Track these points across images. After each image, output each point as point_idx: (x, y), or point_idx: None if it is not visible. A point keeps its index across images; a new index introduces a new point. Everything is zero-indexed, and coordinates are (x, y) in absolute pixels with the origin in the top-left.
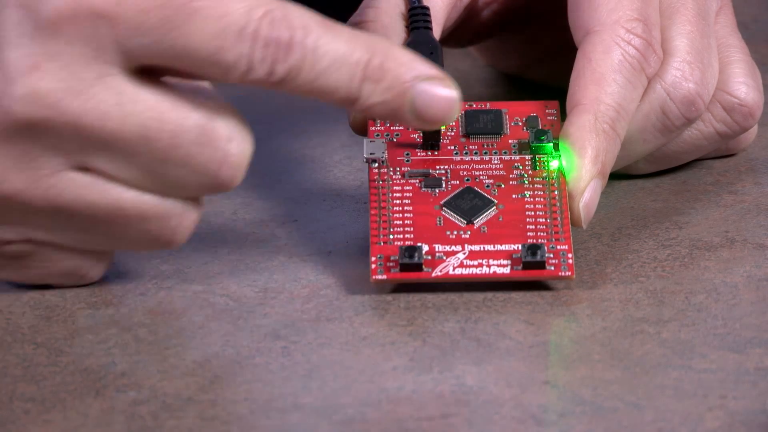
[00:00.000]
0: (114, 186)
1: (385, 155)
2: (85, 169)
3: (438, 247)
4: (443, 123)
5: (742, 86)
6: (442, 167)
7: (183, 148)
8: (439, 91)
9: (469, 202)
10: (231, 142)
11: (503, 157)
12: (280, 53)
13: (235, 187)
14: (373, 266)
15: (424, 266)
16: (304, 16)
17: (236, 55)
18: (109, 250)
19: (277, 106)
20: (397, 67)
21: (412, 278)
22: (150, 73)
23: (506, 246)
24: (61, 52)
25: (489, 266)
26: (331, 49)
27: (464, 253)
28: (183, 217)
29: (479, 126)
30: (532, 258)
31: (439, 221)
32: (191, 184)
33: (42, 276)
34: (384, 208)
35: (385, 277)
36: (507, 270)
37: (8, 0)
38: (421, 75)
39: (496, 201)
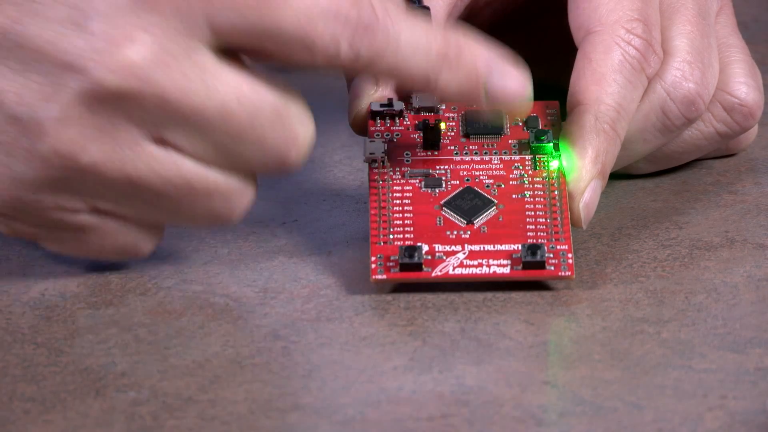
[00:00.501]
0: (186, 160)
1: (386, 155)
2: (161, 141)
3: (438, 247)
4: (514, 103)
5: (743, 86)
6: (442, 167)
7: (259, 127)
8: (510, 74)
9: (469, 202)
10: (301, 125)
11: (503, 157)
12: (367, 38)
13: (299, 169)
14: (373, 266)
15: (424, 266)
16: (387, 2)
17: (327, 38)
18: (169, 224)
19: None
20: (471, 55)
21: (412, 278)
22: (232, 53)
23: (506, 246)
24: (156, 25)
25: (489, 266)
26: (411, 36)
27: (464, 253)
28: (243, 195)
29: (479, 126)
30: (532, 258)
31: (439, 221)
32: (261, 162)
33: (100, 250)
34: (384, 208)
35: (385, 277)
36: (507, 270)
37: None
38: (494, 62)
39: (496, 201)
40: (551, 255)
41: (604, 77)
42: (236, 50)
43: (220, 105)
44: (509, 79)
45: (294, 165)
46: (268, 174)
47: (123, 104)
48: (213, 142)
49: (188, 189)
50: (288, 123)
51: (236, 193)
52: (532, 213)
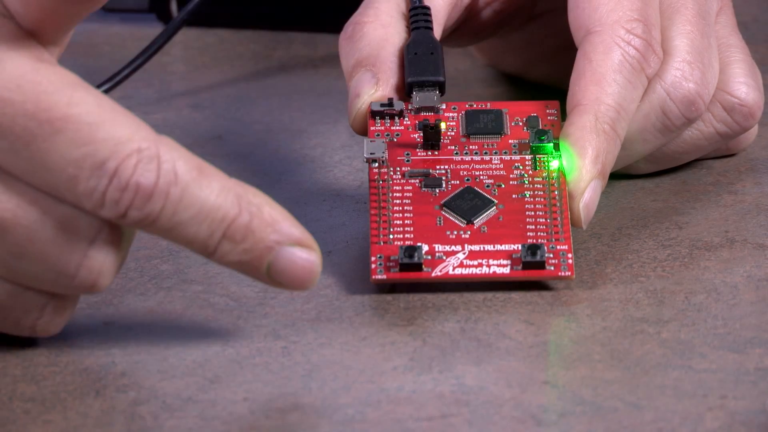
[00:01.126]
0: None
1: (386, 155)
2: None
3: (438, 247)
4: (297, 290)
5: (743, 86)
6: (442, 167)
7: (39, 244)
8: (298, 259)
9: (469, 202)
10: (92, 245)
11: (503, 157)
12: (137, 200)
13: (100, 291)
14: (373, 266)
15: (423, 266)
16: (178, 160)
17: (89, 189)
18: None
19: (276, 105)
20: (262, 229)
21: (412, 278)
22: None
23: (506, 246)
24: None
25: (489, 266)
26: (197, 201)
27: (464, 253)
28: (45, 311)
29: (479, 126)
30: (531, 258)
31: (439, 221)
32: (48, 281)
33: None
34: (384, 208)
35: (385, 277)
36: (507, 270)
37: None
38: (286, 239)
39: (496, 201)
40: (551, 255)
41: (604, 77)
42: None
43: None
44: (296, 264)
45: (87, 287)
46: (70, 293)
47: None
48: None
49: None
50: (74, 243)
51: (35, 308)
52: (532, 213)
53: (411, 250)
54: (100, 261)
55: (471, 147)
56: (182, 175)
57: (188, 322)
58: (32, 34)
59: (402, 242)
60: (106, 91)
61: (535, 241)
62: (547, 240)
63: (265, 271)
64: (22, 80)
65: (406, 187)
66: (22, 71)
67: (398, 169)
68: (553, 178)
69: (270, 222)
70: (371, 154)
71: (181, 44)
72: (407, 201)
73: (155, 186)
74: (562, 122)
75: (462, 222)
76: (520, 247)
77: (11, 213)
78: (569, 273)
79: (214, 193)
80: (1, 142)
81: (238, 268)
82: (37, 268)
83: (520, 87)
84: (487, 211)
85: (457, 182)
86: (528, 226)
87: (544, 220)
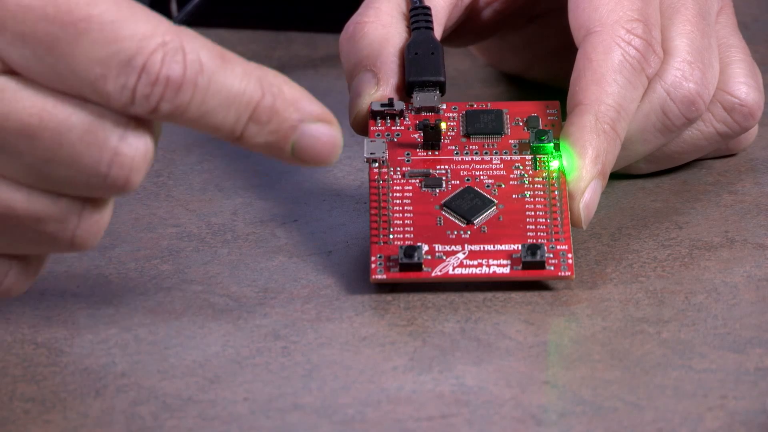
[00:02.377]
0: (3, 185)
1: (386, 155)
2: None
3: (438, 247)
4: (321, 165)
5: (743, 86)
6: (442, 167)
7: (67, 146)
8: (321, 134)
9: (469, 202)
10: (122, 141)
11: (504, 157)
12: (168, 92)
13: (134, 189)
14: (373, 266)
15: (423, 266)
16: (201, 50)
17: (118, 87)
18: (12, 252)
19: None
20: (285, 108)
21: (411, 278)
22: None
23: (506, 246)
24: None
25: (489, 266)
26: (223, 88)
27: (464, 253)
28: (82, 218)
29: (480, 126)
30: (531, 258)
31: (439, 221)
32: (81, 184)
33: None
34: (384, 208)
35: (385, 277)
36: (507, 270)
37: None
38: (308, 116)
39: (496, 201)
40: (551, 255)
41: (604, 77)
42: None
43: (20, 126)
44: (319, 140)
45: (121, 185)
46: (103, 195)
47: None
48: (24, 165)
49: (10, 214)
50: (103, 141)
51: (72, 216)
52: (532, 213)
53: (411, 250)
54: (130, 157)
55: (471, 147)
56: (207, 63)
57: (188, 322)
58: None
59: (402, 242)
60: None
61: (535, 241)
62: (547, 240)
63: (290, 149)
64: None
65: (406, 187)
66: None
67: (398, 169)
68: (553, 178)
69: (291, 101)
70: (371, 154)
71: None
72: (407, 201)
73: (183, 77)
74: (563, 122)
75: (462, 222)
76: (520, 247)
77: (37, 118)
78: (569, 273)
79: (238, 78)
80: (23, 50)
81: (264, 149)
82: (69, 171)
83: (521, 87)
84: (487, 211)
85: (458, 182)
86: (528, 226)
87: (544, 220)
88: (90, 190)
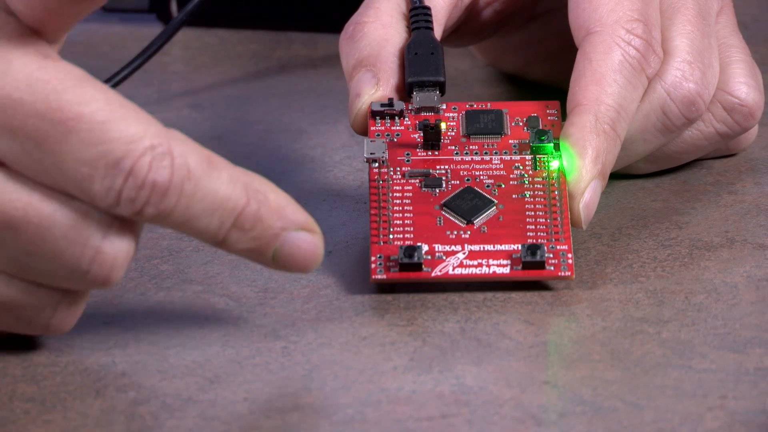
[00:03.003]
0: None
1: (386, 155)
2: None
3: (438, 247)
4: (300, 272)
5: (743, 86)
6: (442, 167)
7: (50, 241)
8: (303, 242)
9: (469, 202)
10: (105, 240)
11: (503, 157)
12: (153, 196)
13: (112, 285)
14: (373, 266)
15: (423, 266)
16: (189, 154)
17: (104, 188)
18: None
19: (276, 105)
20: (269, 216)
21: (411, 278)
22: None
23: (506, 246)
24: None
25: (489, 266)
26: (209, 193)
27: (464, 253)
28: (59, 309)
29: (480, 126)
30: (531, 258)
31: (439, 221)
32: (61, 277)
33: None
34: (384, 208)
35: (385, 277)
36: (507, 270)
37: None
38: (291, 225)
39: (496, 201)
40: (551, 255)
41: (604, 77)
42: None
43: (4, 218)
44: (300, 248)
45: (100, 282)
46: (83, 288)
47: None
48: (5, 256)
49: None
50: (86, 239)
51: (48, 306)
52: (532, 213)
53: (411, 250)
54: (112, 255)
55: (471, 147)
56: (194, 168)
57: (188, 322)
58: (34, 32)
59: (402, 242)
60: None
61: (535, 241)
62: (547, 240)
63: (271, 256)
64: (31, 79)
65: (406, 187)
66: (30, 69)
67: (398, 169)
68: (553, 178)
69: (276, 209)
70: (371, 154)
71: (181, 44)
72: (407, 201)
73: (170, 182)
74: (563, 122)
75: (462, 222)
76: (520, 247)
77: (22, 211)
78: (569, 273)
79: (224, 184)
80: (12, 143)
81: (245, 254)
82: (50, 265)
83: (521, 87)
84: (487, 211)
85: (457, 182)
86: (528, 226)
87: (544, 220)
88: (69, 283)
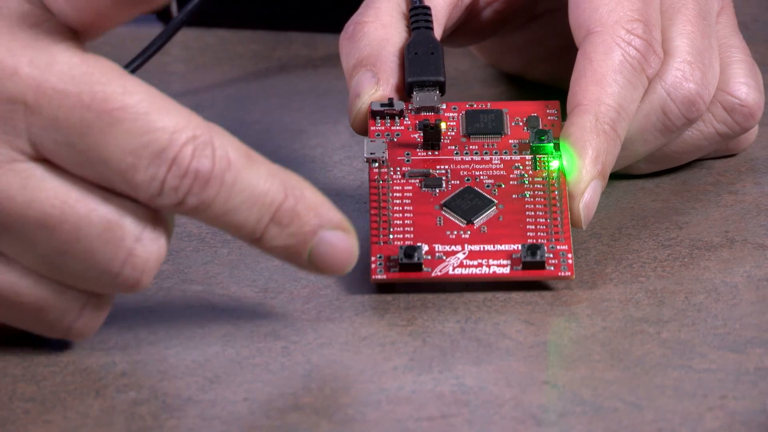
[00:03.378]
0: (13, 269)
1: (386, 155)
2: None
3: (438, 247)
4: (335, 273)
5: (743, 87)
6: (442, 167)
7: (84, 241)
8: (339, 242)
9: (469, 202)
10: (138, 243)
11: (504, 157)
12: (196, 185)
13: (141, 290)
14: (373, 266)
15: (423, 266)
16: (229, 146)
17: (148, 178)
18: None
19: (276, 105)
20: (306, 212)
21: (411, 278)
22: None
23: (506, 246)
24: None
25: (489, 266)
26: (248, 186)
27: (464, 253)
28: (83, 313)
29: (480, 126)
30: (531, 258)
31: (439, 221)
32: (92, 279)
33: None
34: (384, 208)
35: (385, 277)
36: (507, 270)
37: None
38: (327, 222)
39: (496, 201)
40: (551, 255)
41: (604, 77)
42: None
43: (41, 215)
44: (336, 247)
45: (131, 285)
46: (111, 292)
47: None
48: (39, 254)
49: (14, 299)
50: (120, 240)
51: (74, 309)
52: (532, 213)
53: (411, 250)
54: (144, 258)
55: (471, 147)
56: (235, 160)
57: (188, 322)
58: (72, 30)
59: (402, 242)
60: None
61: (535, 241)
62: (547, 240)
63: (307, 256)
64: (75, 71)
65: (406, 187)
66: (73, 62)
67: (398, 169)
68: (553, 178)
69: (313, 206)
70: (371, 154)
71: (181, 44)
72: (407, 201)
73: (212, 172)
74: (563, 122)
75: (462, 222)
76: (520, 247)
77: (59, 210)
78: (569, 273)
79: (263, 178)
80: (56, 135)
81: (282, 253)
82: (82, 266)
83: (521, 87)
84: (487, 211)
85: (457, 182)
86: (528, 226)
87: (544, 220)
88: (98, 286)
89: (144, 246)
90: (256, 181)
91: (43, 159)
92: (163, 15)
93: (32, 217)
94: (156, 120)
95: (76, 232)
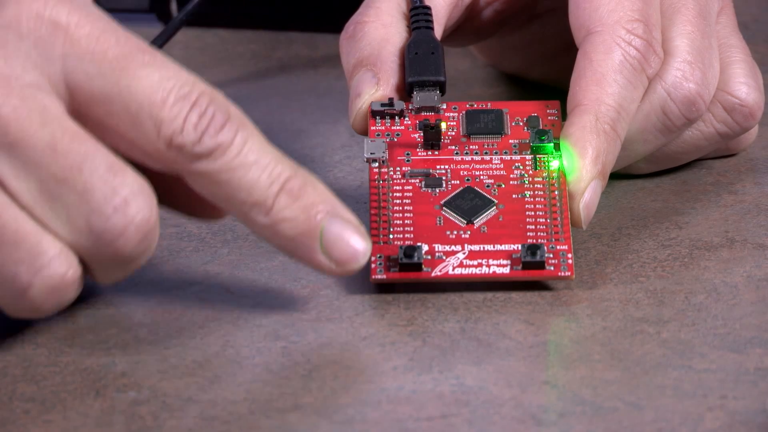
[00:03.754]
0: (3, 197)
1: (386, 155)
2: None
3: (438, 247)
4: (348, 266)
5: (743, 86)
6: (442, 167)
7: (85, 174)
8: (350, 225)
9: (469, 202)
10: (134, 196)
11: (504, 157)
12: (212, 127)
13: (121, 252)
14: (373, 266)
15: (423, 266)
16: (242, 114)
17: (172, 114)
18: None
19: (276, 105)
20: (314, 194)
21: (411, 278)
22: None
23: (506, 246)
24: (9, 41)
25: (489, 266)
26: (259, 150)
27: (464, 253)
28: (49, 267)
29: (480, 126)
30: (531, 258)
31: (439, 221)
32: (80, 218)
33: None
34: (384, 207)
35: (384, 277)
36: (507, 270)
37: None
38: (336, 212)
39: (496, 201)
40: (551, 255)
41: (604, 77)
42: (85, 114)
43: (50, 138)
44: (348, 232)
45: (113, 235)
46: (91, 244)
47: None
48: (37, 179)
49: None
50: (119, 187)
51: (44, 254)
52: (532, 213)
53: (411, 250)
54: (134, 212)
55: (471, 147)
56: (248, 124)
57: (188, 322)
58: None
59: (402, 242)
60: None
61: (535, 241)
62: (547, 240)
63: (320, 239)
64: (112, 21)
65: (406, 187)
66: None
67: (398, 169)
68: (553, 178)
69: (321, 193)
70: (371, 153)
71: (181, 44)
72: (407, 201)
73: (228, 118)
74: (563, 122)
75: (462, 222)
76: (520, 247)
77: (69, 137)
78: (569, 273)
79: (272, 151)
80: (90, 66)
81: (293, 231)
82: (75, 199)
83: (521, 87)
84: (487, 211)
85: (458, 182)
86: (528, 226)
87: (544, 220)
88: (85, 228)
89: (137, 201)
90: (267, 149)
91: (66, 101)
92: (163, 15)
93: (41, 138)
94: (180, 70)
95: (80, 163)
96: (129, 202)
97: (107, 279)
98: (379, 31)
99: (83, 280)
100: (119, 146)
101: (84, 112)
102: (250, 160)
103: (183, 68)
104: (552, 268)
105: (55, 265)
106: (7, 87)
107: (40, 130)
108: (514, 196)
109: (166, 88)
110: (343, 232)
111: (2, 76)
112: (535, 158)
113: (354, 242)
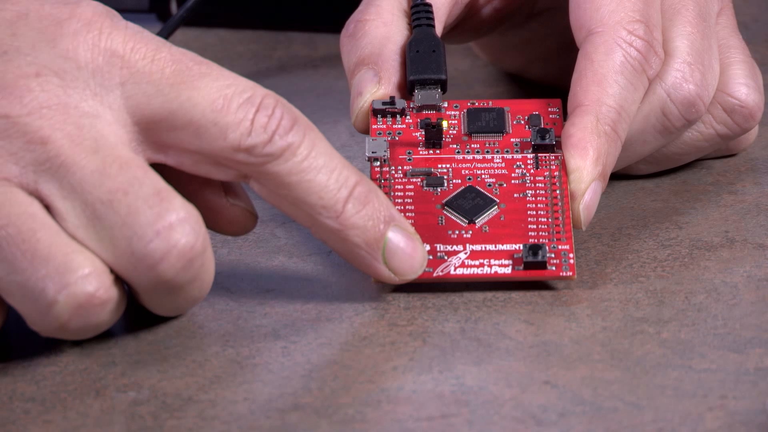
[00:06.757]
0: (48, 218)
1: (387, 154)
2: (34, 193)
3: (439, 247)
4: (405, 278)
5: (743, 87)
6: (443, 166)
7: (130, 197)
8: (411, 246)
9: (470, 202)
10: (180, 222)
11: (505, 156)
12: (281, 127)
13: (162, 280)
14: None
15: (425, 266)
16: (307, 119)
17: (239, 117)
18: None
19: None
20: (380, 202)
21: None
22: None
23: (507, 246)
24: (66, 72)
25: (490, 266)
26: (327, 153)
27: (465, 253)
28: (80, 281)
29: (481, 125)
30: (533, 258)
31: (441, 221)
32: (122, 239)
33: None
34: None
35: None
36: (508, 270)
37: (42, 12)
38: (398, 221)
39: (497, 200)
40: (552, 255)
41: (605, 78)
42: (148, 136)
43: (100, 164)
44: (410, 243)
45: (154, 260)
46: (130, 267)
47: (7, 133)
48: (82, 201)
49: (30, 242)
50: (164, 213)
51: (79, 268)
52: (534, 212)
53: None
54: (177, 239)
55: (473, 146)
56: (314, 127)
57: (188, 322)
58: None
59: None
60: None
61: (536, 240)
62: (549, 240)
63: (383, 252)
64: (160, 41)
65: (407, 186)
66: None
67: (400, 167)
68: (554, 177)
69: (384, 201)
70: (373, 152)
71: (180, 44)
72: (409, 200)
73: (296, 120)
74: (564, 120)
75: (463, 221)
76: (521, 247)
77: (119, 163)
78: (571, 273)
79: (338, 156)
80: (147, 87)
81: (360, 239)
82: (120, 221)
83: (521, 87)
84: (488, 210)
85: (459, 181)
86: (529, 226)
87: (545, 219)
88: (125, 251)
89: (183, 229)
90: (334, 153)
91: (130, 128)
92: (163, 15)
93: (91, 162)
94: (239, 77)
95: (126, 186)
96: (174, 227)
97: (160, 308)
98: (380, 29)
99: (122, 305)
100: (184, 163)
101: (150, 135)
102: (319, 163)
103: (240, 76)
104: (554, 268)
105: (84, 283)
106: (65, 114)
107: (91, 156)
108: (515, 195)
109: (226, 94)
110: (404, 243)
111: (61, 105)
112: (536, 157)
113: (414, 253)
